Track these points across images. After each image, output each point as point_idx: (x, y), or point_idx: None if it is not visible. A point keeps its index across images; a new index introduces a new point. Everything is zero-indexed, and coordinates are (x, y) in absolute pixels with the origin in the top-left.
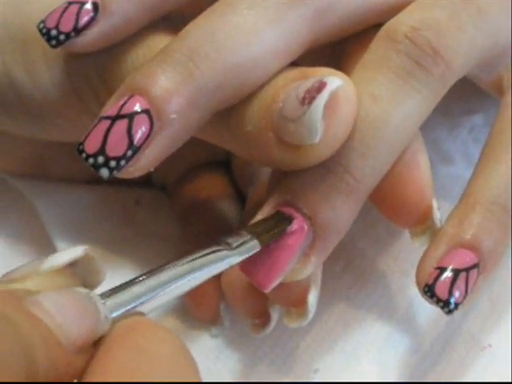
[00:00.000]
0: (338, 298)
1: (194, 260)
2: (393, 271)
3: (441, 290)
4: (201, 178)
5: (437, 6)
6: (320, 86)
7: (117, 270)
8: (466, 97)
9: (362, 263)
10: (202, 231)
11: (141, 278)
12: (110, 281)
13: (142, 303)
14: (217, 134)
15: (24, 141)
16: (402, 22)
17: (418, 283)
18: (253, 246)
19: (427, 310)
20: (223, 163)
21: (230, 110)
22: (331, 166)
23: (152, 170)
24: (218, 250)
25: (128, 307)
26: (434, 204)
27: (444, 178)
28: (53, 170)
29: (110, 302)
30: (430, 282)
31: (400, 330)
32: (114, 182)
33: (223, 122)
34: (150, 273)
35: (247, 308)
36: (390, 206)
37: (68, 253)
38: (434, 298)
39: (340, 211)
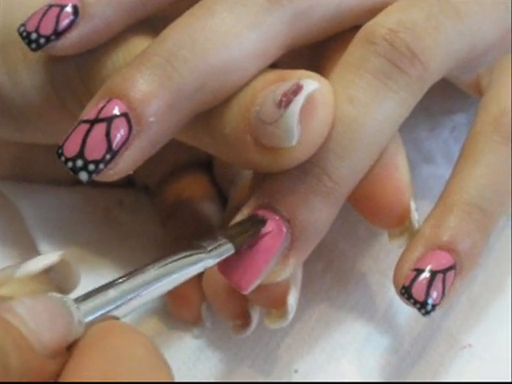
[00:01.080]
0: (319, 299)
1: (168, 263)
2: (373, 272)
3: (417, 292)
4: (183, 179)
5: (414, 7)
6: (296, 89)
7: (100, 270)
8: (448, 96)
9: (343, 264)
10: (184, 231)
11: (115, 282)
12: (94, 281)
13: (116, 307)
14: (196, 137)
15: (5, 143)
16: (379, 24)
17: (395, 285)
18: (227, 249)
19: (407, 311)
20: (205, 164)
21: (209, 113)
22: (309, 169)
23: (131, 172)
24: (193, 254)
25: (102, 311)
26: (412, 205)
27: (425, 178)
28: (35, 171)
29: (84, 306)
30: (407, 283)
31: (380, 330)
32: (96, 183)
33: (202, 124)
34: (124, 277)
35: (228, 309)
36: (368, 208)
37: (43, 259)
38: (411, 300)
39: (318, 213)
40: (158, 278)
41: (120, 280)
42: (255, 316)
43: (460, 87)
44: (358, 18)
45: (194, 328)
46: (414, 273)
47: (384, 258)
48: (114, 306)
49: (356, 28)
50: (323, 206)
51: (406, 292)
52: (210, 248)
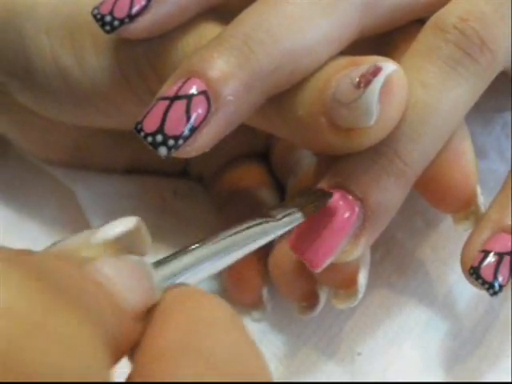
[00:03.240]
0: (380, 285)
1: (240, 231)
2: (432, 260)
3: (486, 273)
4: (239, 169)
5: None
6: (375, 71)
7: (155, 256)
8: (498, 94)
9: (401, 253)
10: (240, 219)
11: (189, 249)
12: None
13: (191, 273)
14: (268, 120)
15: (64, 129)
16: (450, 13)
17: (462, 266)
18: (297, 218)
19: (466, 298)
20: (261, 155)
21: (282, 96)
22: (382, 150)
23: (208, 150)
24: (263, 222)
25: (178, 276)
26: (478, 189)
27: (480, 172)
28: (91, 160)
29: (161, 270)
30: (476, 264)
31: (440, 315)
32: (151, 172)
33: (275, 107)
34: (198, 243)
35: (296, 290)
36: (435, 192)
37: (120, 224)
38: (480, 280)
39: (390, 193)
40: (231, 246)
41: (193, 247)
42: (323, 297)
43: None
44: (426, 8)
45: (253, 311)
46: (482, 254)
47: (442, 247)
48: (189, 272)
49: (420, 22)
50: (394, 187)
51: (474, 272)
52: (279, 216)
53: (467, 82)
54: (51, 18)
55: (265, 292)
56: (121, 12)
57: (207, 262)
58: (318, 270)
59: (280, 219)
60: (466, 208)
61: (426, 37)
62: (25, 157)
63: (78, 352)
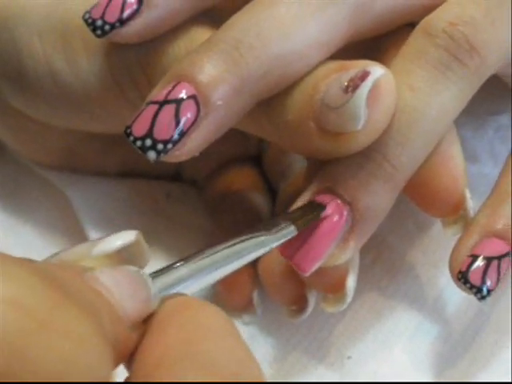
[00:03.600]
0: (370, 289)
1: (234, 245)
2: (422, 263)
3: (474, 277)
4: (232, 172)
5: (472, 3)
6: (364, 75)
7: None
8: (492, 97)
9: (392, 256)
10: (232, 222)
11: (187, 260)
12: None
13: (188, 284)
14: (257, 124)
15: (57, 133)
16: (439, 18)
17: (451, 270)
18: (290, 231)
19: (456, 302)
20: (254, 158)
21: (271, 100)
22: (370, 154)
23: (197, 154)
24: (258, 236)
25: (174, 287)
26: (467, 194)
27: (470, 176)
28: (83, 163)
29: (158, 281)
30: (464, 269)
31: (430, 319)
32: (144, 175)
33: (264, 111)
34: (194, 255)
35: (285, 294)
36: (424, 196)
37: (120, 237)
38: (468, 285)
39: (378, 197)
40: (227, 258)
41: (190, 258)
42: (312, 300)
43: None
44: (416, 13)
45: (243, 314)
46: (470, 259)
47: (433, 250)
48: (184, 284)
49: (410, 27)
50: (383, 191)
51: (462, 277)
52: (273, 230)
53: (456, 86)
54: (43, 22)
55: (255, 295)
56: (112, 16)
57: (203, 274)
58: (307, 274)
59: (274, 233)
60: (454, 212)
61: (415, 40)
62: (19, 160)
63: (86, 349)
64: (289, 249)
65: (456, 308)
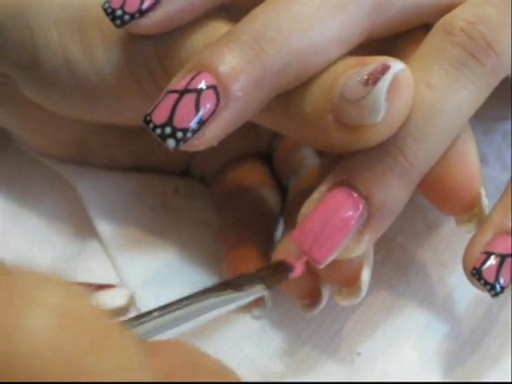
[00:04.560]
0: (380, 287)
1: (207, 299)
2: (432, 263)
3: (488, 274)
4: (241, 168)
5: (489, 4)
6: (384, 69)
7: (155, 251)
8: (499, 104)
9: (402, 255)
10: (241, 217)
11: (153, 315)
12: (149, 261)
13: (158, 333)
14: (275, 117)
15: (69, 124)
16: (457, 17)
17: (465, 267)
18: (260, 289)
19: (466, 301)
20: (263, 156)
21: (290, 93)
22: (386, 148)
23: (215, 144)
24: (230, 292)
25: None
26: (482, 191)
27: None
28: (94, 156)
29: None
30: (478, 265)
31: (440, 318)
32: (154, 170)
33: (282, 104)
34: (162, 310)
35: (298, 288)
36: (439, 193)
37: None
38: (482, 281)
39: (394, 192)
40: (196, 313)
41: (157, 313)
42: (326, 294)
43: None
44: (433, 12)
45: (253, 309)
46: (485, 256)
47: (443, 250)
48: (152, 336)
49: (426, 29)
50: (399, 185)
51: (476, 273)
52: (243, 287)
53: (473, 85)
54: (61, 10)
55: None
56: (132, 7)
57: (174, 325)
58: (321, 266)
59: (244, 290)
60: (469, 210)
61: (433, 39)
62: (26, 151)
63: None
64: (304, 241)
65: (465, 307)
